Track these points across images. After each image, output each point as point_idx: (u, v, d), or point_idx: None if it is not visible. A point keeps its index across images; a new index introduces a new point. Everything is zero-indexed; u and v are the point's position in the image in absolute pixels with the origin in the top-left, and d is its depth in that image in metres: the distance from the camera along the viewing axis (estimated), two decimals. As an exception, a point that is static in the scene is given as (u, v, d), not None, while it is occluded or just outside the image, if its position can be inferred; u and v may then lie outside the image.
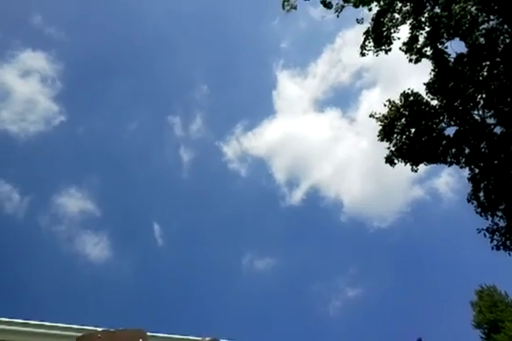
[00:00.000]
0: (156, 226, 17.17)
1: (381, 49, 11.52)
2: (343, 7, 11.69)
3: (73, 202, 16.29)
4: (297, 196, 18.99)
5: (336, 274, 18.07)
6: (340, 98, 20.85)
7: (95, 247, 16.14)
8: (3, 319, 4.77)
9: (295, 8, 12.27)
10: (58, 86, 17.16)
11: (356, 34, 18.48)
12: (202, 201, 19.21)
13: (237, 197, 19.67)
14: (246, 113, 20.59)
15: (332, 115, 20.79)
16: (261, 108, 21.03)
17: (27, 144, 16.53)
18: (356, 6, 11.57)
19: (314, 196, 19.04)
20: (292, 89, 21.21)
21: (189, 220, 18.50)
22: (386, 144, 11.49)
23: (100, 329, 4.39)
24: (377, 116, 11.65)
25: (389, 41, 11.40)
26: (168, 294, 15.62)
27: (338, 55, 20.73)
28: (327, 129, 21.07)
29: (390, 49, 11.51)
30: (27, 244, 15.66)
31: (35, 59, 16.92)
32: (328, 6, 11.66)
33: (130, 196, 18.05)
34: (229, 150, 19.44)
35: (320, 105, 20.91)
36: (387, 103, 11.63)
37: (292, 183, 19.26)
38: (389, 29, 11.51)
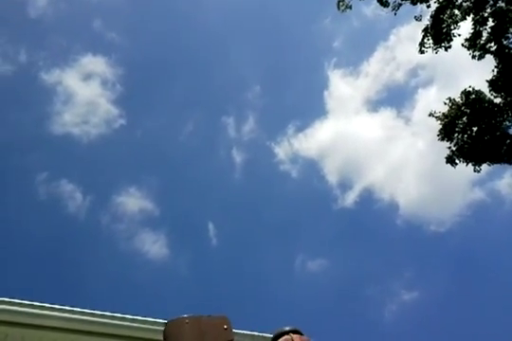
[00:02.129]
0: (211, 226, 17.39)
1: (441, 46, 11.29)
2: (400, 4, 11.54)
3: (132, 201, 16.74)
4: (350, 198, 18.73)
5: (391, 277, 17.71)
6: (395, 98, 20.38)
7: (153, 245, 16.52)
8: (97, 312, 5.01)
9: (350, 7, 12.22)
10: (118, 90, 17.69)
11: (411, 31, 18.10)
12: (254, 202, 19.30)
13: (289, 198, 19.62)
14: (297, 113, 20.51)
15: (386, 114, 20.37)
16: (312, 108, 20.88)
17: (88, 146, 17.12)
18: (413, 3, 11.40)
19: (368, 198, 18.72)
20: (344, 89, 20.94)
21: (242, 220, 18.63)
22: (445, 144, 11.24)
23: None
24: (437, 114, 11.42)
25: (449, 37, 11.16)
26: (221, 293, 15.81)
27: (392, 53, 20.30)
28: (381, 129, 20.66)
29: (450, 46, 11.25)
30: (89, 242, 16.24)
31: (96, 63, 17.50)
32: (385, 4, 11.54)
33: (186, 196, 18.38)
34: (281, 151, 19.42)
35: (374, 105, 20.53)
36: (447, 101, 11.37)
37: (345, 185, 19.01)
38: (449, 26, 11.26)
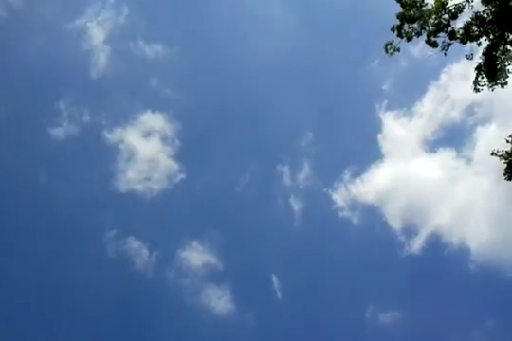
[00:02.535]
0: (275, 278, 17.07)
1: (496, 84, 10.93)
2: (450, 44, 11.40)
3: (196, 255, 16.88)
4: (417, 244, 17.91)
5: (469, 328, 16.42)
6: (453, 137, 19.80)
7: (219, 301, 16.36)
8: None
9: (398, 50, 12.19)
10: (176, 144, 18.40)
11: (462, 69, 17.80)
12: (316, 250, 18.87)
13: (351, 246, 19.04)
14: (352, 158, 20.30)
15: (445, 155, 19.74)
16: (367, 152, 20.62)
17: (151, 202, 17.68)
18: (463, 42, 11.22)
19: (436, 243, 17.83)
20: (399, 131, 20.63)
21: (305, 270, 18.18)
22: (513, 183, 10.60)
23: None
24: (500, 153, 10.87)
25: (504, 74, 10.80)
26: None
27: (446, 92, 19.96)
28: (442, 170, 19.97)
29: (506, 83, 10.88)
30: (156, 298, 16.38)
31: (155, 120, 18.38)
32: (434, 44, 11.43)
33: (247, 248, 18.32)
34: (339, 197, 19.12)
35: (432, 145, 19.99)
36: (509, 139, 10.84)
37: (409, 230, 18.27)
38: (502, 62, 10.94)
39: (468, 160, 19.33)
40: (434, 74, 20.54)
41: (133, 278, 16.87)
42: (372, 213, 19.01)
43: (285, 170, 19.58)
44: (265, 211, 19.58)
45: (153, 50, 19.31)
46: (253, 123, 20.31)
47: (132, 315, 15.99)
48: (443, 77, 20.26)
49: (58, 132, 17.54)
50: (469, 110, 20.50)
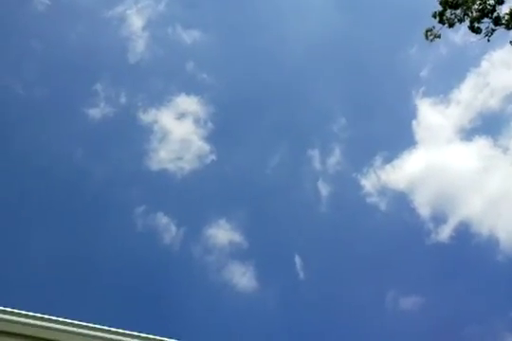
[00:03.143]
0: (298, 259, 17.28)
1: (540, 72, 10.69)
2: (494, 30, 11.16)
3: (222, 233, 17.18)
4: (445, 232, 17.79)
5: (493, 317, 16.39)
6: (490, 125, 19.36)
7: (242, 277, 16.71)
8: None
9: (439, 36, 11.99)
10: (209, 127, 18.54)
11: (505, 56, 17.30)
12: (342, 235, 18.96)
13: (378, 232, 19.04)
14: (384, 144, 20.10)
15: (481, 143, 19.35)
16: (400, 139, 20.38)
17: (182, 181, 17.99)
18: (508, 28, 10.97)
19: (465, 232, 17.67)
20: (434, 118, 20.27)
21: (329, 253, 18.32)
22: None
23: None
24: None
25: (548, 63, 10.54)
26: (309, 327, 15.51)
27: (485, 79, 19.42)
28: (476, 159, 19.60)
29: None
30: (182, 272, 16.80)
31: (189, 102, 18.54)
32: (477, 31, 11.20)
33: (273, 228, 18.52)
34: (368, 183, 19.05)
35: (467, 134, 19.62)
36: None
37: (438, 218, 18.14)
38: (548, 51, 10.67)
39: (505, 150, 18.93)
40: (475, 61, 20.01)
41: (160, 251, 17.32)
42: (401, 200, 18.92)
43: (316, 154, 19.58)
44: (292, 194, 19.70)
45: (190, 36, 19.41)
46: (286, 108, 20.30)
47: (157, 288, 16.46)
48: (483, 64, 19.73)
49: (95, 112, 17.92)
50: (509, 98, 19.99)
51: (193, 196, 18.60)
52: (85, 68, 18.61)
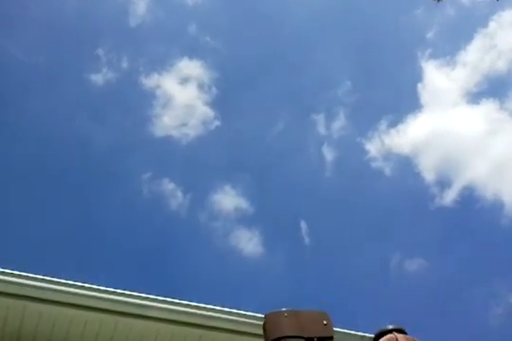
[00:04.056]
0: (303, 224, 17.43)
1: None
2: (503, -12, 10.77)
3: (228, 199, 17.27)
4: (449, 197, 17.81)
5: (496, 279, 16.62)
6: (497, 88, 19.01)
7: (248, 243, 16.91)
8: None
9: (446, -5, 11.63)
10: (213, 92, 18.32)
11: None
12: (347, 200, 19.03)
13: (382, 196, 19.10)
14: (389, 108, 19.86)
15: (487, 107, 19.06)
16: (405, 102, 20.11)
17: (187, 147, 17.94)
18: (518, -15, 10.59)
19: (469, 197, 17.69)
20: (440, 81, 19.90)
21: (334, 218, 18.46)
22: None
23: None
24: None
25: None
26: (315, 292, 15.79)
27: (493, 41, 18.93)
28: (482, 123, 19.35)
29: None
30: (189, 238, 17.01)
31: (192, 67, 18.25)
32: (486, -12, 10.84)
33: (278, 194, 18.59)
34: (373, 147, 18.94)
35: (474, 97, 19.31)
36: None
37: (443, 182, 18.12)
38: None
39: (512, 113, 18.69)
40: (482, 21, 19.44)
41: (167, 217, 17.49)
42: (405, 164, 18.85)
43: (320, 118, 19.39)
44: (297, 159, 19.65)
45: (193, -3, 18.91)
46: (290, 72, 19.95)
47: (165, 253, 16.70)
48: (491, 25, 19.19)
49: (97, 78, 17.67)
50: (517, 60, 19.58)
51: (198, 162, 18.60)
52: (86, 33, 18.25)
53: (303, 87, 19.91)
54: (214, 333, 5.18)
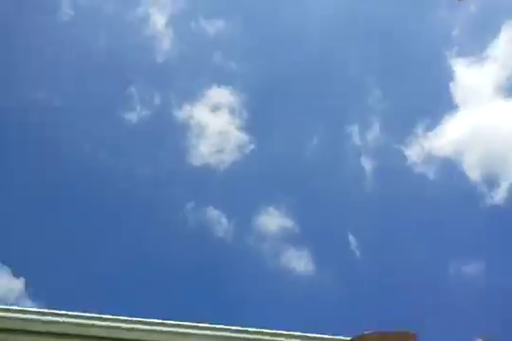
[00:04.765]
0: (352, 238, 17.21)
1: None
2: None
3: (272, 220, 17.29)
4: (499, 195, 17.27)
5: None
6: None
7: (298, 262, 16.81)
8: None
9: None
10: (244, 116, 18.59)
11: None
12: (392, 208, 18.70)
13: (429, 201, 18.65)
14: (424, 111, 19.54)
15: (524, 99, 18.53)
16: (439, 104, 19.74)
17: (225, 173, 18.16)
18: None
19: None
20: (472, 78, 19.49)
21: (382, 228, 18.14)
22: None
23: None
24: None
25: None
26: (374, 305, 15.48)
27: (522, 32, 18.45)
28: (521, 116, 18.79)
29: None
30: (238, 263, 17.06)
31: (221, 94, 18.61)
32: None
33: (322, 210, 18.48)
34: (412, 153, 18.64)
35: (508, 90, 18.83)
36: None
37: (491, 180, 17.59)
38: None
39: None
40: (509, 14, 19.03)
41: (214, 244, 17.61)
42: (448, 166, 18.43)
43: (354, 129, 19.29)
44: (336, 172, 19.53)
45: (213, 27, 19.34)
46: (318, 86, 19.99)
47: (216, 280, 16.78)
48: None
49: (131, 116, 18.26)
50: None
51: (238, 187, 18.77)
52: (117, 73, 18.92)
53: (333, 100, 19.89)
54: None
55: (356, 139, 19.09)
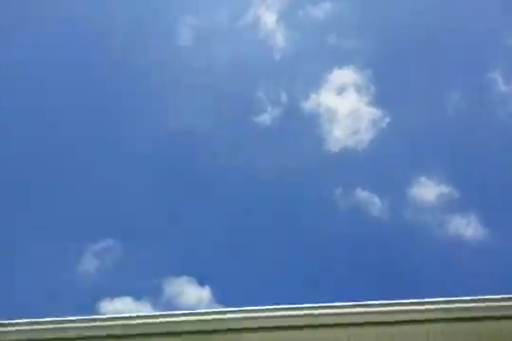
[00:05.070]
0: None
1: None
2: None
3: (427, 190, 16.74)
4: None
5: None
6: None
7: (467, 228, 16.08)
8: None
9: None
10: (372, 91, 18.23)
11: None
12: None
13: None
14: None
15: None
16: None
17: (365, 152, 17.99)
18: None
19: None
20: None
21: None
22: None
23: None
24: None
25: None
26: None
27: None
28: None
29: None
30: (399, 238, 16.78)
31: (344, 74, 18.48)
32: None
33: (478, 170, 17.39)
34: None
35: None
36: None
37: None
38: None
39: None
40: None
41: (373, 225, 17.50)
42: None
43: (496, 76, 17.86)
44: (483, 126, 18.25)
45: (321, 10, 19.29)
46: (444, 46, 18.90)
47: (389, 260, 16.63)
48: None
49: (264, 118, 18.93)
50: None
51: (382, 163, 18.41)
52: (244, 77, 19.68)
53: (468, 48, 18.58)
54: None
55: (500, 86, 17.65)
